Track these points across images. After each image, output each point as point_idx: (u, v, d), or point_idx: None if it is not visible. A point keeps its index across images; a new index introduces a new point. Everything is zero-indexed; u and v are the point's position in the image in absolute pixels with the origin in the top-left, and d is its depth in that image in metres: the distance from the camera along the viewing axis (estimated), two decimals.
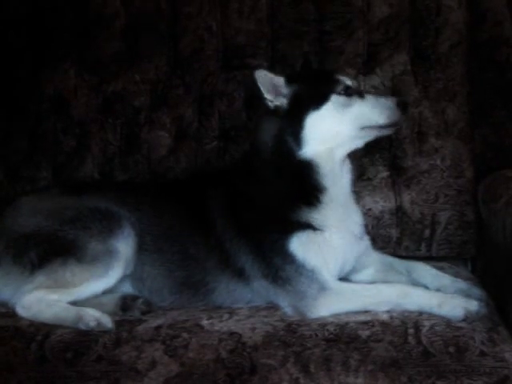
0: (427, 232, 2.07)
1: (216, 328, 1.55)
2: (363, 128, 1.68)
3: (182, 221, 1.78)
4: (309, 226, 1.65)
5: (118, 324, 1.60)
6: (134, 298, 1.70)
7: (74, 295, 1.66)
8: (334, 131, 1.66)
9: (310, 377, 1.42)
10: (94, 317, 1.58)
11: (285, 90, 1.69)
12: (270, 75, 1.69)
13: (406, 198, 2.07)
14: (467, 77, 2.11)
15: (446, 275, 1.76)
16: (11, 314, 1.66)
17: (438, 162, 2.07)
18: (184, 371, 1.45)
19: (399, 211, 2.07)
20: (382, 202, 2.08)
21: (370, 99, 1.69)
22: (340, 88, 1.68)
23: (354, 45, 2.13)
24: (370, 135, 1.71)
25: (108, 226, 1.70)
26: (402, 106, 1.70)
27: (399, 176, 2.09)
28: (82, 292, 1.66)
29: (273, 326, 1.54)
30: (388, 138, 2.10)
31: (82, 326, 1.57)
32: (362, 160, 2.09)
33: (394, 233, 2.07)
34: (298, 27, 2.14)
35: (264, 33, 2.16)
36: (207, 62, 2.18)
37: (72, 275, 1.65)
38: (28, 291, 1.64)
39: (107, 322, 1.57)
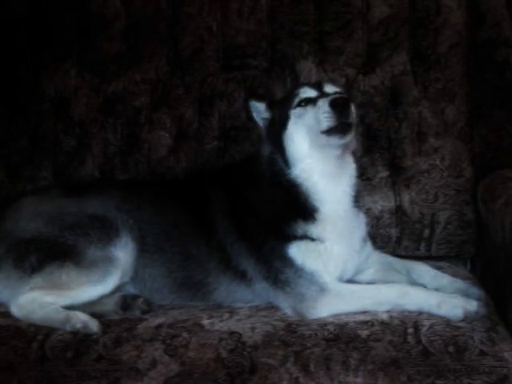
0: (427, 232, 2.07)
1: (216, 327, 1.55)
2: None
3: (184, 221, 1.78)
4: (306, 238, 1.65)
5: (119, 323, 1.61)
6: (135, 298, 1.71)
7: (69, 299, 1.65)
8: (304, 146, 1.64)
9: (309, 376, 1.42)
10: (80, 319, 1.57)
11: (265, 115, 1.73)
12: (257, 104, 1.73)
13: (406, 197, 2.08)
14: (466, 77, 2.11)
15: (445, 275, 1.76)
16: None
17: (438, 162, 2.08)
18: (184, 370, 1.45)
19: (399, 211, 2.07)
20: (381, 202, 2.08)
21: (319, 105, 1.59)
22: (295, 102, 1.66)
23: (353, 45, 2.13)
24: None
25: (107, 233, 1.70)
26: (339, 108, 1.55)
27: (399, 176, 2.09)
28: (78, 296, 1.66)
29: (273, 326, 1.54)
30: (387, 137, 2.11)
31: (68, 328, 1.57)
32: (362, 160, 2.09)
33: (394, 232, 2.07)
34: (298, 27, 2.15)
35: (264, 33, 2.16)
36: (207, 63, 2.18)
37: (68, 278, 1.65)
38: (24, 292, 1.65)
39: (94, 325, 1.57)
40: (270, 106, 1.73)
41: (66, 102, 2.22)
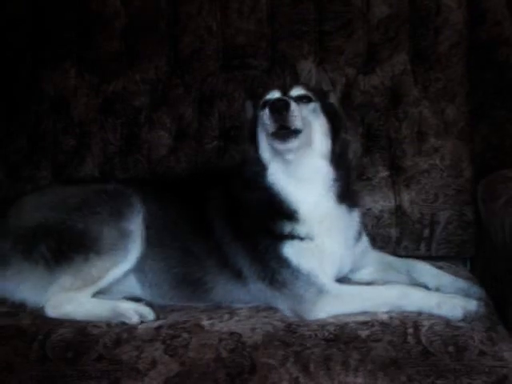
0: (426, 231, 2.07)
1: (216, 328, 1.55)
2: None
3: (184, 218, 1.78)
4: (295, 237, 1.64)
5: (119, 323, 1.60)
6: (138, 301, 1.70)
7: (99, 286, 1.68)
8: (267, 147, 1.64)
9: (309, 376, 1.42)
10: (133, 310, 1.60)
11: (250, 114, 1.75)
12: (248, 103, 1.76)
13: (406, 197, 2.08)
14: (467, 77, 2.11)
15: (446, 274, 1.76)
16: (13, 313, 1.67)
17: (438, 162, 2.08)
18: (184, 371, 1.45)
19: (399, 211, 2.07)
20: (381, 202, 2.08)
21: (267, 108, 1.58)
22: (261, 104, 1.67)
23: (353, 45, 2.13)
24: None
25: (116, 206, 1.70)
26: (277, 112, 1.53)
27: (399, 176, 2.09)
28: (107, 281, 1.68)
29: (273, 326, 1.54)
30: (388, 137, 2.11)
31: (125, 320, 1.59)
32: (362, 160, 2.09)
33: (394, 232, 2.07)
34: (298, 27, 2.15)
35: (264, 33, 2.16)
36: (207, 62, 2.18)
37: (97, 270, 1.66)
38: (56, 292, 1.64)
39: (148, 313, 1.61)
40: (254, 106, 1.74)
41: (66, 101, 2.22)
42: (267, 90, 1.74)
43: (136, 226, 1.70)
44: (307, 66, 2.13)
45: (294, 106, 1.56)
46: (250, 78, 2.15)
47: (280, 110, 1.54)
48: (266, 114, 1.56)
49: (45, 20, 2.26)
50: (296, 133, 1.56)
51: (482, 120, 2.12)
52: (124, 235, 1.68)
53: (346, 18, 2.13)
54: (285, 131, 1.55)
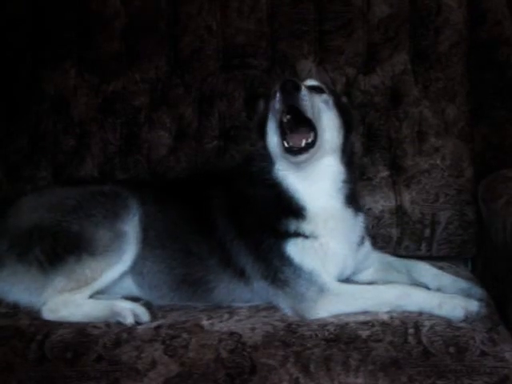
0: (427, 232, 2.07)
1: (216, 328, 1.55)
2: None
3: (185, 219, 1.78)
4: (300, 235, 1.63)
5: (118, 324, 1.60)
6: (136, 301, 1.70)
7: (95, 288, 1.67)
8: (276, 140, 1.63)
9: (309, 376, 1.41)
10: (129, 310, 1.59)
11: (260, 110, 1.76)
12: (261, 102, 1.75)
13: (406, 197, 2.07)
14: (467, 76, 2.11)
15: (447, 274, 1.76)
16: (11, 313, 1.67)
17: (438, 162, 2.07)
18: (184, 371, 1.45)
19: (399, 211, 2.07)
20: (382, 202, 2.08)
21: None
22: (272, 94, 1.65)
23: (353, 44, 2.13)
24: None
25: (112, 208, 1.70)
26: (287, 92, 1.53)
27: (399, 175, 2.09)
28: (102, 282, 1.67)
29: (273, 326, 1.54)
30: (388, 137, 2.10)
31: (120, 319, 1.58)
32: (363, 159, 2.09)
33: (394, 232, 2.07)
34: (298, 27, 2.14)
35: (264, 32, 2.16)
36: (207, 62, 2.18)
37: (90, 271, 1.65)
38: (51, 295, 1.64)
39: (143, 313, 1.60)
40: (265, 102, 1.74)
41: (66, 101, 2.22)
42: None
43: (131, 227, 1.70)
44: (307, 66, 2.13)
45: (304, 90, 1.55)
46: (250, 77, 2.15)
47: (290, 89, 1.53)
48: (276, 97, 1.56)
49: (45, 20, 2.26)
50: (307, 148, 1.56)
51: (482, 120, 2.12)
52: (119, 236, 1.67)
53: (346, 17, 2.13)
54: (296, 149, 1.55)
